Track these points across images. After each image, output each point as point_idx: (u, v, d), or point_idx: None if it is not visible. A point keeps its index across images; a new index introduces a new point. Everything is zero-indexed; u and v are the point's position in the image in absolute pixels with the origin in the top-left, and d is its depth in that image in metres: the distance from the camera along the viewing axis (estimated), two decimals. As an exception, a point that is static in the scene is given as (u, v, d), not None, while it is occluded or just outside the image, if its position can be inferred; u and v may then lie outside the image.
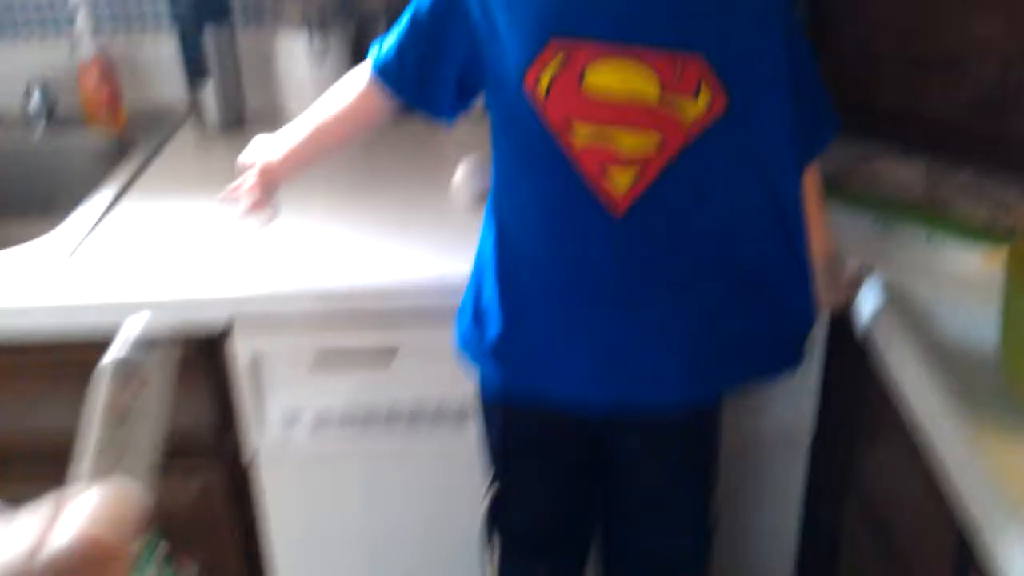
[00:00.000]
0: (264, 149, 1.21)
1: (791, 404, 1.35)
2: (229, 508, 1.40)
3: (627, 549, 1.28)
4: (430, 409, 1.34)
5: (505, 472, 1.24)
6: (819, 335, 1.29)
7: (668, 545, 1.26)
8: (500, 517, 1.27)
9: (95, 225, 1.44)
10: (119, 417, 0.27)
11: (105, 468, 0.28)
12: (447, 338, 1.21)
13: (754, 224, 1.07)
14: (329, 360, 1.30)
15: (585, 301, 1.07)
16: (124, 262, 1.32)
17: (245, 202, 1.21)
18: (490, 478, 1.26)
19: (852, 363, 1.26)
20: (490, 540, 1.30)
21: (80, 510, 0.26)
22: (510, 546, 1.28)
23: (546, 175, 1.04)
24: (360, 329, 1.29)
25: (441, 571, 1.45)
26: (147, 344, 0.27)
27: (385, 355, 1.30)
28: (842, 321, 1.26)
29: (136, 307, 1.24)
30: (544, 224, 1.06)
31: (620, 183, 1.00)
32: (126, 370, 0.27)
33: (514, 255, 1.09)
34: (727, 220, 1.05)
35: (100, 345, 1.24)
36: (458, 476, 1.36)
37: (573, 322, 1.07)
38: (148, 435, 0.28)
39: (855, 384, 1.28)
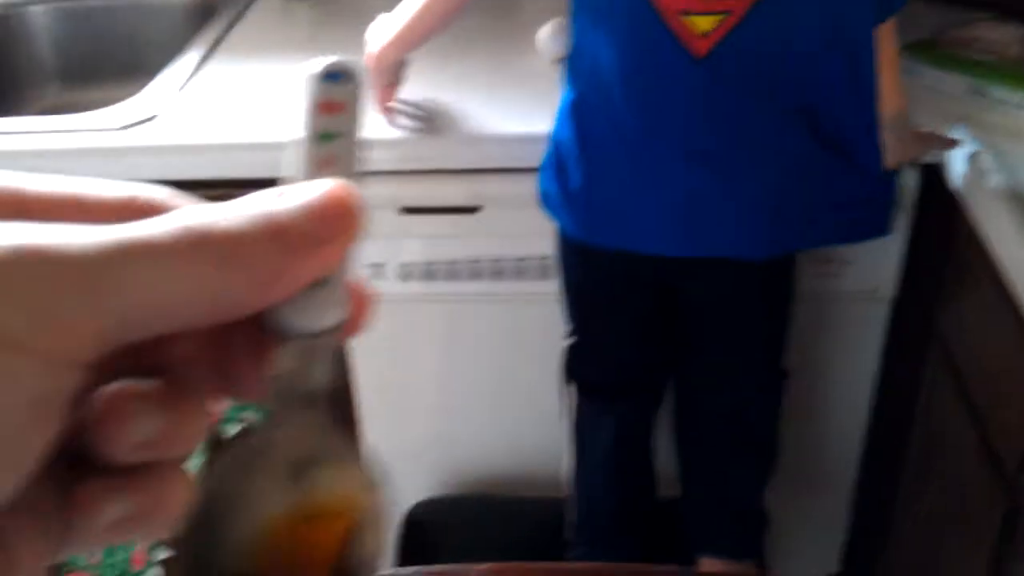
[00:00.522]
0: (379, 32, 1.23)
1: (876, 259, 1.34)
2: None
3: (699, 396, 1.31)
4: (512, 261, 1.36)
5: (582, 321, 1.26)
6: (910, 191, 1.28)
7: (739, 393, 1.29)
8: (576, 365, 1.31)
9: (182, 86, 1.46)
10: (323, 127, 0.27)
11: (316, 172, 0.27)
12: (530, 193, 1.23)
13: (831, 76, 1.06)
14: (415, 213, 1.32)
15: (663, 150, 1.07)
16: (211, 121, 1.35)
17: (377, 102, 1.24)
18: (568, 327, 1.29)
19: (941, 219, 1.25)
20: (567, 387, 1.33)
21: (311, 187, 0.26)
22: (585, 392, 1.32)
23: (626, 19, 1.03)
24: (445, 184, 1.31)
25: (521, 416, 1.49)
26: (340, 72, 0.27)
27: (469, 209, 1.32)
28: (932, 178, 1.25)
29: (230, 151, 1.28)
30: (623, 71, 1.06)
31: (702, 25, 0.99)
32: (329, 81, 0.27)
33: (593, 106, 1.10)
34: (805, 68, 1.04)
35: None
36: (538, 326, 1.39)
37: (651, 172, 1.08)
38: (352, 154, 0.28)
39: (943, 239, 1.27)
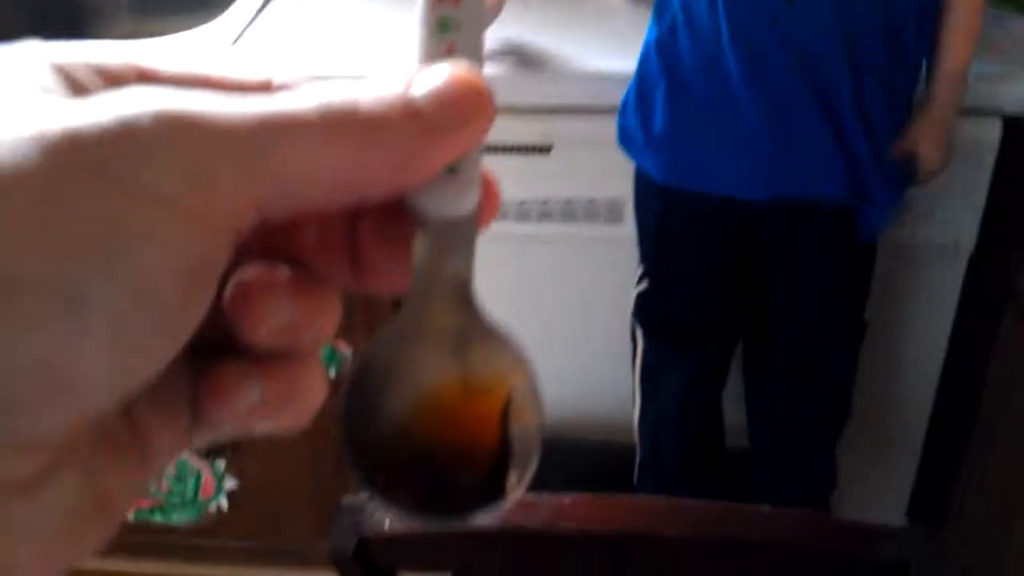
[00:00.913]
0: None
1: (956, 213, 1.31)
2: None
3: (774, 347, 1.29)
4: (583, 203, 1.34)
5: (659, 265, 1.25)
6: (991, 143, 1.25)
7: (816, 345, 1.27)
8: (649, 310, 1.30)
9: (257, 15, 1.45)
10: (442, 16, 0.27)
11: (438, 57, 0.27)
12: (603, 134, 1.21)
13: (910, 29, 1.06)
14: (487, 151, 1.31)
15: (752, 92, 1.06)
16: (287, 50, 1.35)
17: None
18: (642, 271, 1.28)
19: (1022, 174, 1.22)
20: (638, 332, 1.33)
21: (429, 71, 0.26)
22: (657, 338, 1.31)
23: None
24: (518, 123, 1.29)
25: (588, 360, 1.49)
26: None
27: (541, 149, 1.31)
28: (1013, 134, 1.22)
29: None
30: (713, 12, 1.05)
31: None
32: None
33: (682, 47, 1.08)
34: (890, 16, 1.04)
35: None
36: (608, 269, 1.38)
37: (739, 115, 1.08)
38: (473, 44, 0.28)
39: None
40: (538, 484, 0.89)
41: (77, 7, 1.77)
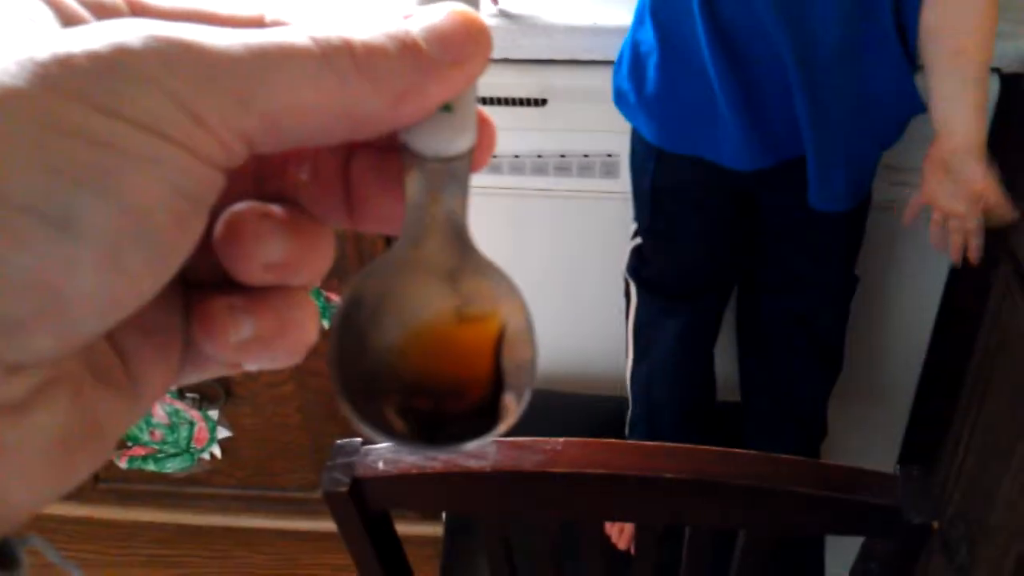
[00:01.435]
0: None
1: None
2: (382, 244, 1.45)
3: (768, 301, 1.30)
4: (577, 157, 1.34)
5: (653, 221, 1.25)
6: (989, 104, 1.24)
7: (810, 300, 1.28)
8: (644, 265, 1.30)
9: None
10: None
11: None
12: (598, 88, 1.20)
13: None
14: (482, 104, 1.31)
15: (742, 61, 1.05)
16: None
17: None
18: (637, 227, 1.28)
19: (1018, 131, 1.23)
20: (631, 286, 1.33)
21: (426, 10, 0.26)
22: (650, 292, 1.31)
23: None
24: (513, 75, 1.28)
25: (581, 313, 1.50)
26: None
27: (536, 102, 1.30)
28: (1011, 91, 1.21)
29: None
30: None
31: None
32: None
33: (675, 11, 1.07)
34: None
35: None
36: (602, 223, 1.38)
37: (733, 82, 1.06)
38: None
39: (1020, 151, 1.24)
40: (531, 435, 0.88)
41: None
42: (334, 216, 0.28)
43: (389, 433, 0.27)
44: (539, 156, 1.34)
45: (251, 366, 0.27)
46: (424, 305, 0.28)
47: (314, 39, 0.24)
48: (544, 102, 1.30)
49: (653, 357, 1.32)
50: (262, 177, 0.28)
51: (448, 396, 0.28)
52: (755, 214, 1.23)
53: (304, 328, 0.27)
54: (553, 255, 1.46)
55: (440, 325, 0.28)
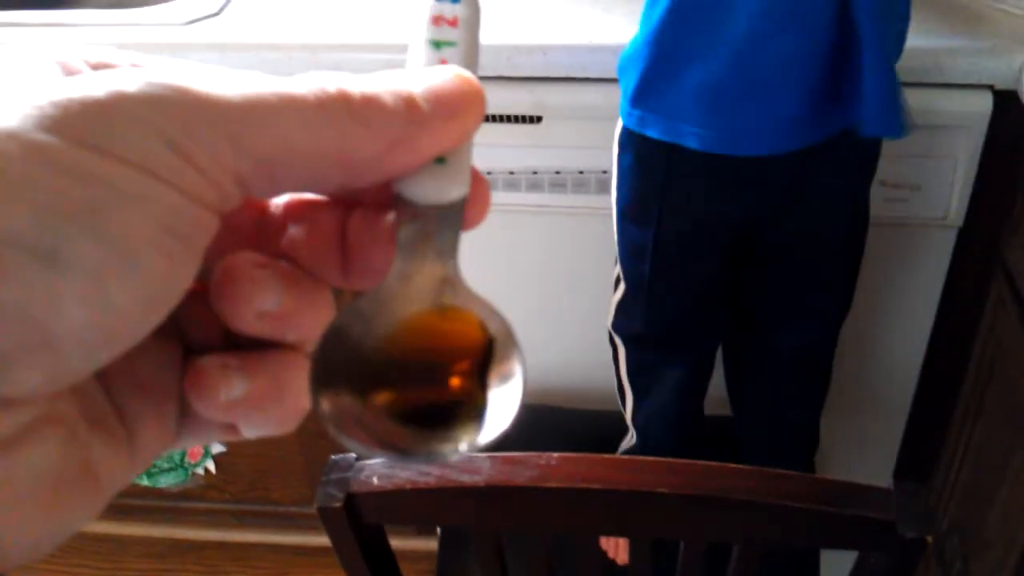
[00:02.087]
0: None
1: (945, 186, 1.31)
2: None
3: (767, 335, 1.28)
4: (573, 174, 1.35)
5: (652, 275, 1.19)
6: (982, 117, 1.25)
7: (811, 332, 1.26)
8: (630, 323, 1.26)
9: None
10: (437, 36, 0.28)
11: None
12: (593, 104, 1.21)
13: None
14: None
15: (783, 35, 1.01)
16: (277, 19, 1.34)
17: None
18: (618, 276, 1.25)
19: (1011, 148, 1.23)
20: (616, 340, 1.31)
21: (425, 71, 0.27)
22: (644, 344, 1.28)
23: None
24: (508, 92, 1.29)
25: (574, 330, 1.50)
26: None
27: (532, 119, 1.31)
28: (1004, 107, 1.22)
29: (294, 51, 1.27)
30: None
31: None
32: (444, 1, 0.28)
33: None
34: None
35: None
36: (598, 238, 1.38)
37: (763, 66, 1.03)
38: (467, 59, 0.29)
39: (1013, 167, 1.25)
40: (525, 449, 0.88)
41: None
42: (330, 274, 0.29)
43: (376, 446, 0.27)
44: (534, 172, 1.35)
45: (246, 430, 0.28)
46: (409, 328, 0.28)
47: (310, 87, 0.24)
48: (539, 119, 1.31)
49: (652, 404, 1.30)
50: (262, 233, 0.29)
51: (435, 409, 0.28)
52: (755, 252, 1.20)
53: (298, 392, 0.27)
54: (548, 270, 1.46)
55: (426, 342, 0.29)
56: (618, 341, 1.30)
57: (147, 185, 0.22)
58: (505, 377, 0.29)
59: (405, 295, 0.28)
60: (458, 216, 0.28)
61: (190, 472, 1.57)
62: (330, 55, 1.26)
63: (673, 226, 1.14)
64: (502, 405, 0.28)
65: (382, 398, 0.28)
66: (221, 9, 1.35)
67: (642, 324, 1.24)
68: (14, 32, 1.32)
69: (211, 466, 1.58)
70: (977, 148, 1.27)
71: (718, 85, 1.03)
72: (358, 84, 0.25)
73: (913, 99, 1.17)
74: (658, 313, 1.23)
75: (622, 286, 1.24)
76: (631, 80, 1.07)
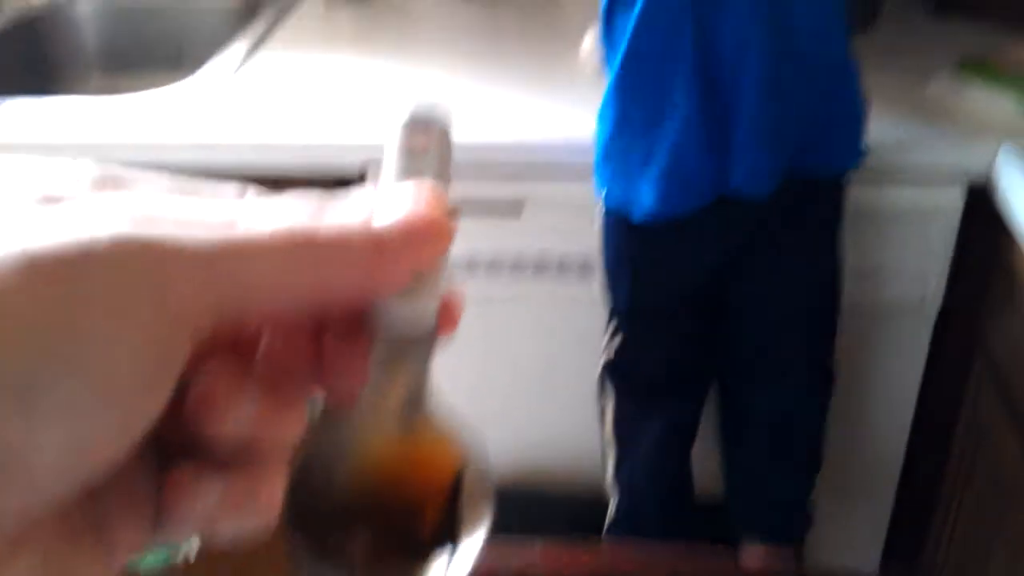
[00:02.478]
0: None
1: (922, 270, 1.34)
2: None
3: (743, 395, 1.31)
4: (555, 262, 1.36)
5: (635, 318, 1.26)
6: (956, 204, 1.28)
7: (784, 392, 1.29)
8: (619, 368, 1.30)
9: (227, 76, 1.47)
10: (414, 158, 0.29)
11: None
12: (574, 195, 1.25)
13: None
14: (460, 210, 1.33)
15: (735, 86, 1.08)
16: (257, 110, 1.36)
17: None
18: (613, 326, 1.28)
19: (987, 233, 1.25)
20: (606, 390, 1.33)
21: (394, 197, 0.28)
22: (629, 394, 1.31)
23: None
24: (489, 180, 1.32)
25: (558, 417, 1.49)
26: (432, 115, 0.29)
27: (513, 206, 1.33)
28: (979, 192, 1.25)
29: (272, 148, 1.28)
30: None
31: None
32: (419, 122, 0.29)
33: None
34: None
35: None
36: (579, 326, 1.40)
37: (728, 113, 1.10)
38: (439, 178, 0.30)
39: (990, 254, 1.27)
40: (510, 535, 0.89)
41: (49, 63, 1.78)
42: (305, 381, 0.29)
43: (344, 570, 0.28)
44: (516, 263, 1.36)
45: (222, 534, 0.28)
46: (381, 460, 0.29)
47: (279, 234, 0.25)
48: (521, 209, 1.32)
49: (635, 457, 1.32)
50: (238, 340, 0.29)
51: (402, 533, 0.29)
52: (730, 304, 1.25)
53: (273, 498, 0.28)
54: (530, 357, 1.47)
55: (397, 475, 0.29)
56: (608, 391, 1.32)
57: (121, 328, 0.23)
58: (475, 503, 0.30)
59: (377, 422, 0.29)
60: (429, 342, 0.29)
61: (170, 558, 1.54)
62: (306, 153, 1.29)
63: (643, 291, 1.22)
64: (472, 535, 0.29)
65: (354, 530, 0.28)
66: (210, 98, 1.37)
67: (626, 372, 1.29)
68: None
69: (192, 552, 1.55)
70: (952, 237, 1.31)
71: (657, 155, 1.11)
72: (328, 219, 0.26)
73: (887, 192, 1.20)
74: (642, 365, 1.28)
75: (612, 325, 1.28)
76: (597, 156, 1.16)
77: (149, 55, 1.85)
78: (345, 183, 1.32)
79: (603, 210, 1.20)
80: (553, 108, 1.33)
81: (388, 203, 0.27)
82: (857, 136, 1.16)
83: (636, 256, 1.21)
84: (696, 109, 1.08)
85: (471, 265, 1.37)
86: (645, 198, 1.13)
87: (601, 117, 1.16)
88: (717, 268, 1.22)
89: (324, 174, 1.30)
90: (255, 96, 1.40)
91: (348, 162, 1.29)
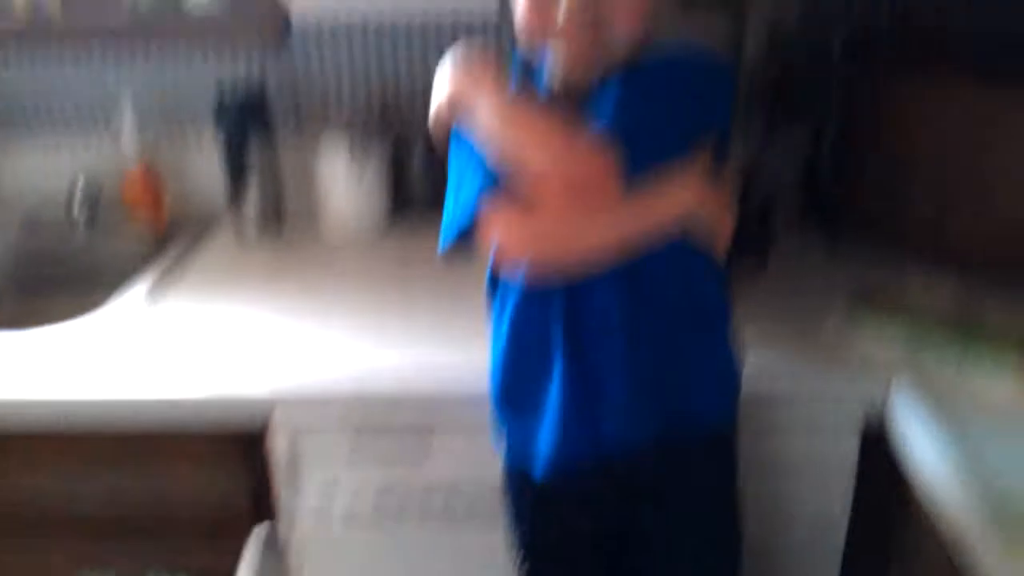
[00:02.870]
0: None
1: (822, 523, 1.35)
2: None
3: None
4: (465, 497, 1.36)
5: (532, 559, 1.26)
6: (851, 455, 1.30)
7: None
8: None
9: (129, 318, 1.47)
10: None
11: None
12: (481, 420, 1.24)
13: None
14: (363, 453, 1.33)
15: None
16: (159, 358, 1.34)
17: None
18: (519, 559, 1.28)
19: (886, 482, 1.26)
20: None
21: None
22: None
23: None
24: (394, 430, 1.32)
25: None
26: None
27: (420, 446, 1.33)
28: (876, 441, 1.27)
29: (172, 405, 1.26)
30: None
31: None
32: None
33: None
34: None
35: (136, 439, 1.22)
36: (495, 551, 1.36)
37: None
38: None
39: (890, 504, 1.28)
40: None
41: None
42: None
43: None
44: (423, 497, 1.35)
45: None
46: None
47: None
48: (428, 447, 1.32)
49: None
50: None
51: None
52: (628, 554, 1.23)
53: None
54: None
55: None
56: None
57: None
58: None
59: None
60: None
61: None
62: (209, 408, 1.27)
63: (543, 538, 1.24)
64: None
65: None
66: (125, 327, 1.36)
67: None
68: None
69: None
70: (850, 484, 1.33)
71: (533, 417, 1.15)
72: None
73: (781, 442, 1.21)
74: None
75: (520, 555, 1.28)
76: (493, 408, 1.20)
77: (60, 290, 1.83)
78: (251, 436, 1.30)
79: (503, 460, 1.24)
80: (456, 361, 1.33)
81: None
82: (730, 390, 1.18)
83: (533, 507, 1.23)
84: (566, 375, 1.11)
85: (378, 505, 1.35)
86: (535, 459, 1.16)
87: (491, 377, 1.20)
88: (613, 530, 1.22)
89: (224, 430, 1.28)
90: (153, 345, 1.38)
91: (252, 415, 1.28)
